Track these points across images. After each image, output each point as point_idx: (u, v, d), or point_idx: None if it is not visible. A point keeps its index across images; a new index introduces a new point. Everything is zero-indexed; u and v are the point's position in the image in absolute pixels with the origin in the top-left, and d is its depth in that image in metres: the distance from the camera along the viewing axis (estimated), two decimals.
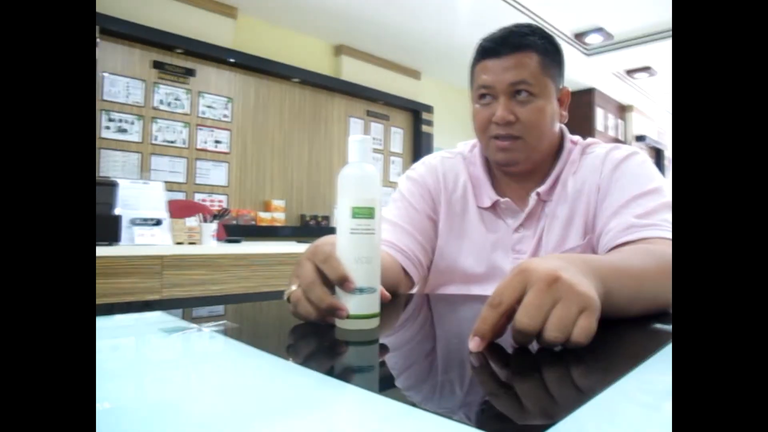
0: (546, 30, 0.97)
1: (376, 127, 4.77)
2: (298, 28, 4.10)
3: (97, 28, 3.08)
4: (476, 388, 0.41)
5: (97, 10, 3.09)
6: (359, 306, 0.57)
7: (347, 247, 0.57)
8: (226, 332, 0.56)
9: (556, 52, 0.96)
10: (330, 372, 0.42)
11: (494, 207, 1.01)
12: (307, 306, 0.58)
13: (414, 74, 4.95)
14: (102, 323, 0.65)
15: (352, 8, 3.74)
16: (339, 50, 4.44)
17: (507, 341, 0.48)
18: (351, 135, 0.59)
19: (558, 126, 1.00)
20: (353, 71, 4.47)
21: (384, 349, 0.54)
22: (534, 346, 0.47)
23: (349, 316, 0.56)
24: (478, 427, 0.29)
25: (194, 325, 0.58)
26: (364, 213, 0.57)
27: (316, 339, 0.56)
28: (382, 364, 0.49)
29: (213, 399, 0.36)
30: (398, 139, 4.96)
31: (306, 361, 0.45)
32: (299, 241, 3.36)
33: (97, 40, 3.09)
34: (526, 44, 0.91)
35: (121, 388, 0.38)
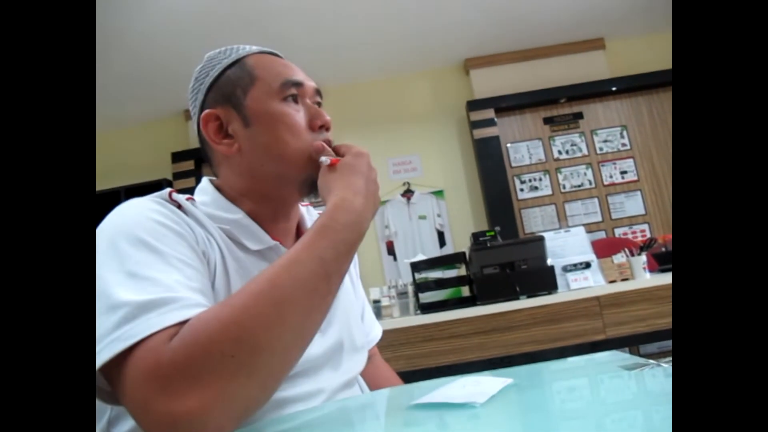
0: None
1: None
2: (667, 27, 3.74)
3: (492, 110, 3.59)
4: None
5: (487, 95, 3.60)
6: None
7: None
8: None
9: None
10: None
11: None
12: None
13: None
14: (558, 366, 0.73)
15: None
16: None
17: None
18: None
19: None
20: None
21: None
22: None
23: None
24: None
25: (652, 361, 0.62)
26: None
27: None
28: None
29: None
30: None
31: None
32: None
33: (494, 119, 3.58)
34: None
35: (582, 428, 0.41)
